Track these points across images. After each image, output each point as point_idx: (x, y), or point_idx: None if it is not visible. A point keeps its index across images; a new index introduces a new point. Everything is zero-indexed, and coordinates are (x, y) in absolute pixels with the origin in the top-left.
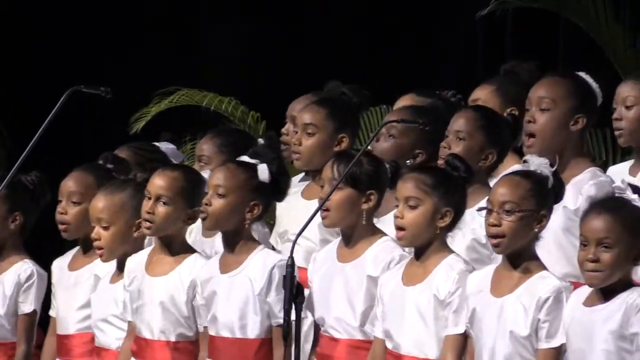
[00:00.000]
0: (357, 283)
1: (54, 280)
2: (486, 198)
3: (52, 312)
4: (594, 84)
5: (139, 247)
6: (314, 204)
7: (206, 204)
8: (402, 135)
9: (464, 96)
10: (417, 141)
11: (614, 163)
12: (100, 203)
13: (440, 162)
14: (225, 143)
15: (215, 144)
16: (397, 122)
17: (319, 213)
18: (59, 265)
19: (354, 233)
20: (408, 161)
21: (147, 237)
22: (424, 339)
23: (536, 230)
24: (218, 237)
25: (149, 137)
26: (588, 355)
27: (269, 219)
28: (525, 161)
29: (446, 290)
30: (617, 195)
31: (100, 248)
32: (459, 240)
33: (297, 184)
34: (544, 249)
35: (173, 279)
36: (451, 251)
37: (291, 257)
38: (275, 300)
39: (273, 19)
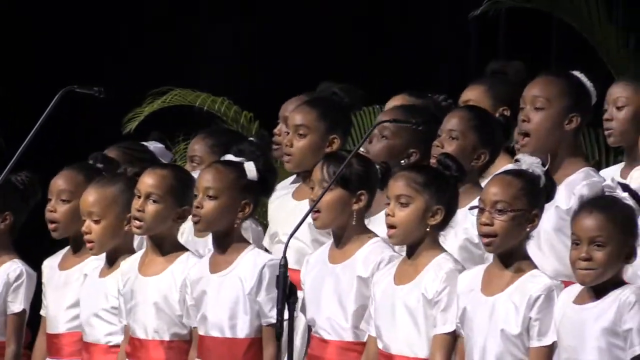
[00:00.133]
0: (347, 284)
1: (44, 279)
2: (478, 198)
3: (42, 312)
4: (588, 83)
5: (129, 241)
6: (305, 204)
7: (197, 207)
8: (395, 136)
9: (457, 97)
10: (410, 141)
11: (607, 163)
12: (91, 197)
13: (432, 161)
14: (217, 143)
15: (207, 144)
16: (389, 122)
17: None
18: (50, 264)
19: (345, 234)
20: (402, 161)
21: (139, 239)
22: (414, 338)
23: (528, 229)
24: (210, 237)
25: (142, 137)
26: (579, 353)
27: (262, 219)
28: (517, 160)
29: (434, 289)
30: (607, 193)
31: (90, 241)
32: (451, 239)
33: (287, 186)
34: (535, 247)
35: (165, 279)
36: (443, 250)
37: (284, 258)
38: (266, 299)
39: (267, 19)
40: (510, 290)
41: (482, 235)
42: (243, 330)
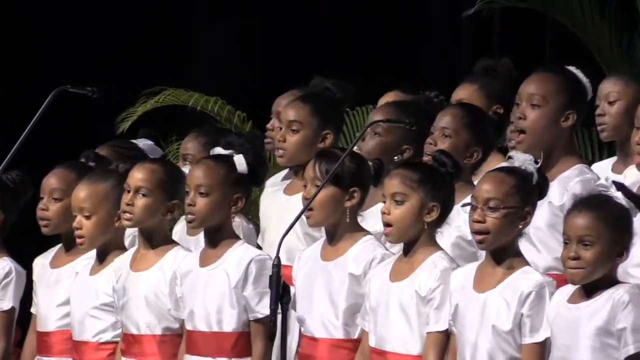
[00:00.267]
0: (339, 281)
1: (35, 277)
2: (470, 195)
3: (33, 310)
4: (584, 79)
5: (120, 238)
6: (296, 198)
7: (190, 205)
8: (388, 133)
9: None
10: (403, 138)
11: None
12: (82, 192)
13: (425, 158)
14: (209, 141)
15: (199, 143)
16: (383, 122)
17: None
18: (41, 262)
19: (338, 231)
20: (396, 157)
21: (131, 238)
22: (407, 335)
23: (520, 226)
24: (202, 235)
25: (135, 137)
26: (573, 352)
27: (255, 219)
28: (509, 157)
29: (428, 287)
30: (600, 192)
31: (81, 237)
32: (444, 236)
33: (279, 182)
34: (528, 244)
35: (155, 273)
36: (439, 248)
37: (277, 257)
38: (252, 294)
39: (260, 19)
40: (502, 286)
41: (475, 232)
42: (230, 324)
